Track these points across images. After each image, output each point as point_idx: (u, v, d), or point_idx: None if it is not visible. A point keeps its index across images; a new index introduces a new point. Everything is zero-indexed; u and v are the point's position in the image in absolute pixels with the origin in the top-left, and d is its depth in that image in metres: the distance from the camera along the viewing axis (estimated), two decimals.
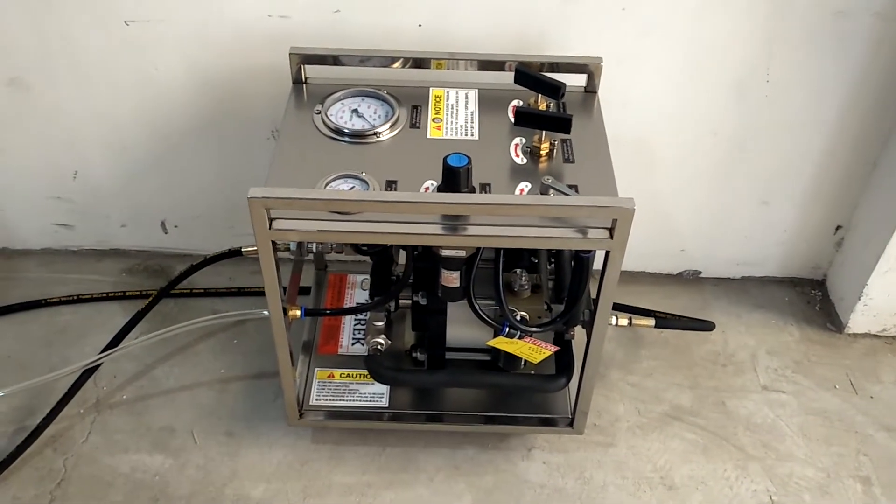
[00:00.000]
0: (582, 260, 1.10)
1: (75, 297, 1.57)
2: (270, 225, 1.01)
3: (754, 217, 1.55)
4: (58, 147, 1.49)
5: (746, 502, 1.29)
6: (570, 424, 1.28)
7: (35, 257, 1.66)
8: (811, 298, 1.64)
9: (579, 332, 1.21)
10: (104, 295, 1.58)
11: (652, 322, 1.35)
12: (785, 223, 1.56)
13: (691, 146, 1.44)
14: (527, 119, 1.13)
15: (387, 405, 1.31)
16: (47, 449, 1.33)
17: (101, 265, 1.65)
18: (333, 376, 1.34)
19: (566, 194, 1.05)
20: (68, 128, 1.46)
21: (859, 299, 1.50)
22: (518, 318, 1.18)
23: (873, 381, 1.49)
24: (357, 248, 1.21)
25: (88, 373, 1.37)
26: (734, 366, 1.50)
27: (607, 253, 1.04)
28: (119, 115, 1.44)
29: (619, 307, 1.47)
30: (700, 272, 1.67)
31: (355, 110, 1.19)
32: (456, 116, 1.19)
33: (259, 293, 1.10)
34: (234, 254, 1.31)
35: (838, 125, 1.40)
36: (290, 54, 1.21)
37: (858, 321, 1.54)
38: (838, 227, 1.57)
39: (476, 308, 1.16)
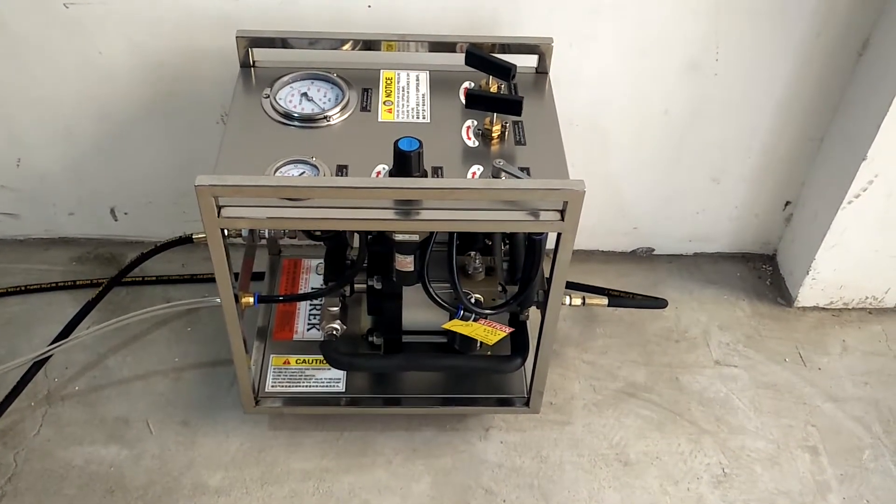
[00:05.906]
0: (534, 242, 1.11)
1: (23, 288, 1.53)
2: (219, 213, 1.00)
3: (706, 194, 1.57)
4: None
5: (700, 476, 1.32)
6: (527, 404, 1.29)
7: None
8: (762, 273, 1.67)
9: (534, 313, 1.22)
10: (53, 285, 1.54)
11: (605, 301, 1.36)
12: (736, 200, 1.59)
13: (643, 125, 1.45)
14: (478, 101, 1.12)
15: (344, 390, 1.30)
16: None
17: (49, 254, 1.62)
18: (289, 362, 1.33)
19: (518, 177, 1.05)
20: (8, 114, 1.42)
21: (808, 273, 1.53)
22: (472, 300, 1.19)
23: (821, 353, 1.52)
24: (310, 234, 1.21)
25: (38, 364, 1.35)
26: (687, 342, 1.53)
27: (559, 235, 1.05)
28: (63, 101, 1.40)
29: (573, 286, 1.49)
30: (653, 249, 1.68)
31: (305, 94, 1.17)
32: (407, 99, 1.18)
33: (213, 279, 1.08)
34: (186, 240, 1.29)
35: (785, 102, 1.42)
36: (237, 37, 1.19)
37: (807, 295, 1.57)
38: (787, 203, 1.59)
39: (430, 291, 1.16)
